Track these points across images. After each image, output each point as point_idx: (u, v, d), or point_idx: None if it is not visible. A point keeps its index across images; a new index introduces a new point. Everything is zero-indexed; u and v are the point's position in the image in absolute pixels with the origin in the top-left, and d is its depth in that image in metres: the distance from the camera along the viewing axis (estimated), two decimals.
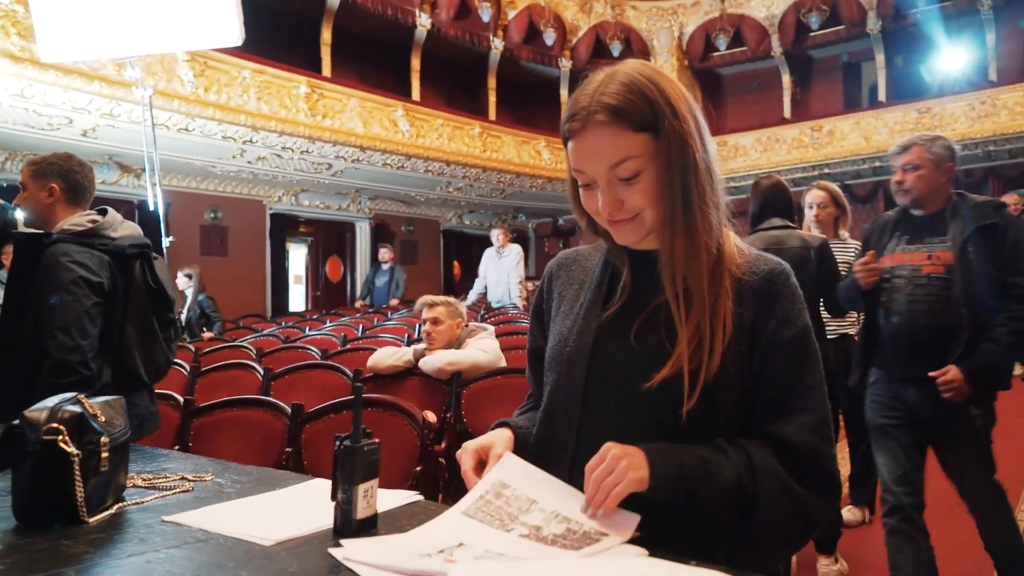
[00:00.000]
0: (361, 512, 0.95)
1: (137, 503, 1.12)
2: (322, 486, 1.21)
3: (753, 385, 0.98)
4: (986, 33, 12.38)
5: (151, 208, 5.61)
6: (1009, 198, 6.89)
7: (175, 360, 3.69)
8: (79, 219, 2.17)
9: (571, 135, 0.97)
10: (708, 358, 0.94)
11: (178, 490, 1.19)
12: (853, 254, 3.41)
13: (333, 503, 0.96)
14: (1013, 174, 11.92)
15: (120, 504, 1.10)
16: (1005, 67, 12.34)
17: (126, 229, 2.24)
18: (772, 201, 2.90)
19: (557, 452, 1.04)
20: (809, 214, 3.42)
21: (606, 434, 0.97)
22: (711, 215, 0.98)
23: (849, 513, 3.28)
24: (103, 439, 1.04)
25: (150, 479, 1.26)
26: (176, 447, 2.80)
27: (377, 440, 0.97)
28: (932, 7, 12.34)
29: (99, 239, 2.11)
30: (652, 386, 0.95)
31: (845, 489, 3.45)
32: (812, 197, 3.42)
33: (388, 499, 1.10)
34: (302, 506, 1.10)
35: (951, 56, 12.98)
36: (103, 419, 1.07)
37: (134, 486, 1.22)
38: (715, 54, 14.61)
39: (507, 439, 1.06)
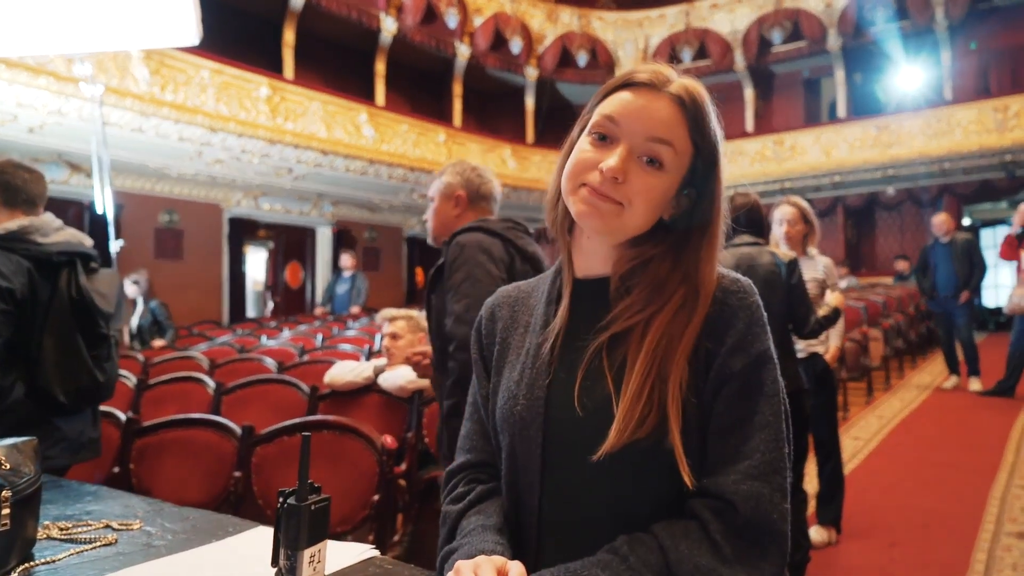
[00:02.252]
0: None
1: (47, 562, 0.98)
2: (264, 537, 1.08)
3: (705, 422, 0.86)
4: (942, 52, 12.70)
5: (99, 210, 5.35)
6: (937, 218, 6.99)
7: (120, 373, 3.50)
8: (10, 223, 2.03)
9: (632, 86, 0.91)
10: (661, 419, 0.82)
11: (99, 543, 1.05)
12: (822, 271, 3.39)
13: (274, 570, 0.84)
14: (967, 191, 12.23)
15: (26, 565, 0.95)
16: (960, 85, 12.68)
17: (61, 235, 2.07)
18: (745, 219, 2.86)
19: (523, 524, 0.93)
20: (779, 230, 3.37)
21: (571, 500, 0.89)
22: (713, 271, 0.91)
23: (816, 534, 3.23)
24: (4, 492, 0.90)
25: (68, 528, 1.11)
26: (116, 468, 2.62)
27: (327, 496, 0.85)
28: (891, 26, 12.62)
29: (22, 244, 1.96)
30: (600, 458, 0.83)
31: (812, 508, 3.41)
32: (782, 213, 3.37)
33: (339, 556, 0.98)
34: (239, 567, 0.97)
35: (908, 74, 13.30)
36: (7, 467, 0.93)
37: (47, 538, 1.07)
38: (679, 67, 14.61)
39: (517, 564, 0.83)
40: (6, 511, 0.89)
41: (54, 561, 0.98)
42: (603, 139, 0.89)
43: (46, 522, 1.11)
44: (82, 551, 1.02)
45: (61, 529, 1.10)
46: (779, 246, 3.39)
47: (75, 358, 1.93)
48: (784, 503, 0.83)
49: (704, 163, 0.90)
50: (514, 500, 0.94)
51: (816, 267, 3.39)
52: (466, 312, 1.81)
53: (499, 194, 2.26)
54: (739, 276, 0.92)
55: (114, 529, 1.12)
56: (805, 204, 3.43)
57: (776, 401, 0.87)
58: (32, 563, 0.97)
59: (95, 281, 2.09)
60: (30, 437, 1.03)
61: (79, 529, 1.11)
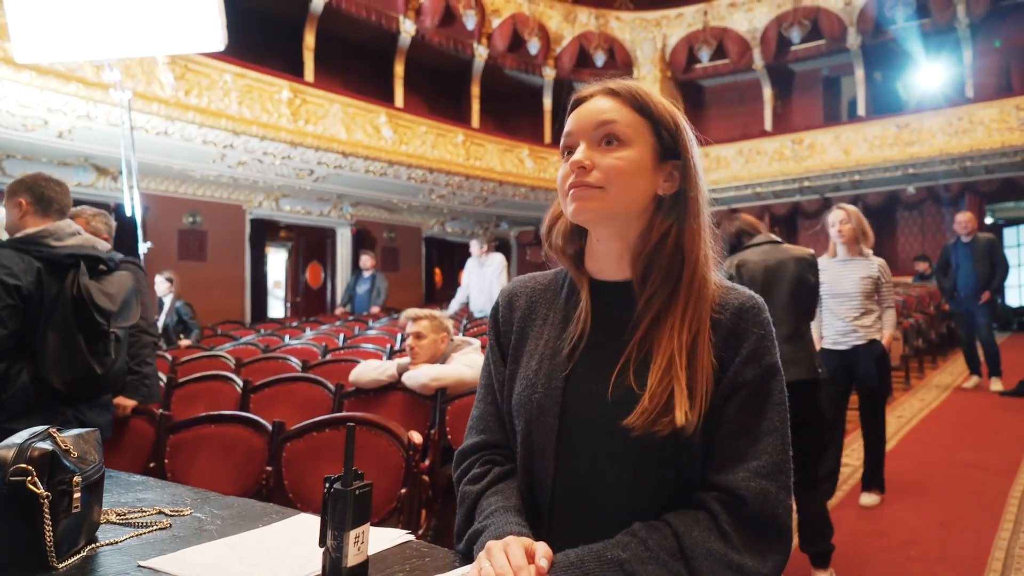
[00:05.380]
0: (352, 559, 0.90)
1: (112, 543, 1.06)
2: (307, 523, 1.15)
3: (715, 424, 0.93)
4: (963, 50, 12.59)
5: (128, 213, 5.49)
6: (961, 216, 6.96)
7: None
8: (35, 228, 2.24)
9: (575, 106, 1.01)
10: (683, 406, 0.89)
11: (155, 527, 1.13)
12: (877, 270, 3.72)
13: (321, 549, 0.91)
14: (989, 189, 12.11)
15: (93, 546, 1.04)
16: (981, 83, 12.55)
17: (74, 240, 2.25)
18: (746, 234, 3.14)
19: (536, 505, 1.00)
20: (832, 232, 3.74)
21: (582, 485, 0.96)
22: (702, 244, 0.97)
23: (865, 498, 3.66)
24: (76, 479, 0.98)
25: (125, 514, 1.19)
26: (152, 464, 2.72)
27: (370, 482, 0.92)
28: (911, 24, 12.53)
29: (36, 247, 2.15)
30: (625, 437, 0.90)
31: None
32: (832, 217, 3.76)
33: (378, 539, 1.05)
34: (287, 548, 1.04)
35: (929, 72, 13.19)
36: (76, 455, 1.01)
37: (108, 522, 1.15)
38: (698, 66, 14.72)
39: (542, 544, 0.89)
40: (77, 495, 0.97)
41: (117, 542, 1.06)
42: (570, 152, 0.99)
43: (104, 508, 1.19)
44: (141, 534, 1.10)
45: (118, 514, 1.19)
46: (836, 248, 3.79)
47: (74, 351, 2.09)
48: (788, 500, 0.91)
49: (668, 131, 0.97)
50: (528, 480, 1.01)
51: (871, 266, 3.72)
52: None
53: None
54: (753, 294, 0.99)
55: (167, 515, 1.20)
56: (852, 208, 3.80)
57: (783, 409, 0.95)
58: (98, 544, 1.05)
59: (104, 282, 2.25)
60: (92, 428, 1.12)
61: (134, 515, 1.20)
